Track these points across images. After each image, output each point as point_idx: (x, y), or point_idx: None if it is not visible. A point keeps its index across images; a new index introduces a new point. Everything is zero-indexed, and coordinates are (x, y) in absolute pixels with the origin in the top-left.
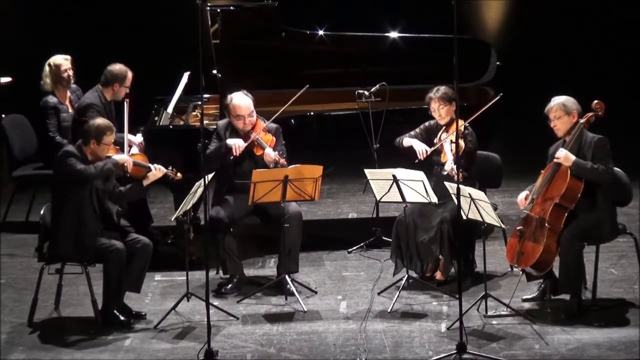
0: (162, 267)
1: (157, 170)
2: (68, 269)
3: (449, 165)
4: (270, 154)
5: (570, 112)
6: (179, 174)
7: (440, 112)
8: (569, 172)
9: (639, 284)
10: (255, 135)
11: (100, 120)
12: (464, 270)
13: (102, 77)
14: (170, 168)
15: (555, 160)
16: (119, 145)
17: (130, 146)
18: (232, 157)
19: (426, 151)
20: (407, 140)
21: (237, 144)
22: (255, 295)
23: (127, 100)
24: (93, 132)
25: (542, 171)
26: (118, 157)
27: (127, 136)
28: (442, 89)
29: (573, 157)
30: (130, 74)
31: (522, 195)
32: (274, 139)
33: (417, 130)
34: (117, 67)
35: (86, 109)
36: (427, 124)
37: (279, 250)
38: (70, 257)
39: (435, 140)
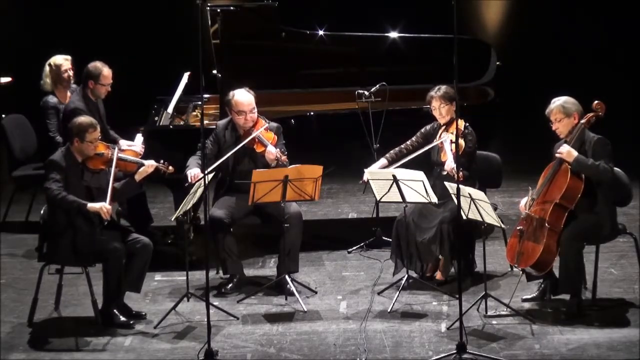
0: (162, 267)
1: (148, 166)
2: (68, 269)
3: (449, 165)
4: (272, 151)
5: (570, 113)
6: (170, 167)
7: (441, 111)
8: (569, 172)
9: (639, 284)
10: (256, 133)
11: (82, 118)
12: (464, 270)
13: (82, 76)
14: (161, 161)
15: (557, 155)
16: (109, 143)
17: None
18: (186, 184)
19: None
20: (380, 161)
21: (193, 174)
22: (255, 295)
23: (118, 148)
24: (75, 131)
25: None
26: (91, 205)
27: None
28: (444, 88)
29: (575, 153)
30: (106, 71)
31: (524, 201)
32: (276, 137)
33: (414, 138)
34: (92, 65)
35: (71, 114)
36: (423, 130)
37: (279, 250)
38: (70, 263)
39: (435, 140)
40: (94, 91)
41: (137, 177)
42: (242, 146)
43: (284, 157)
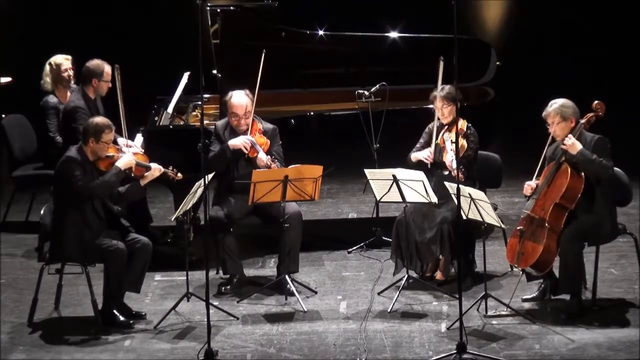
0: (162, 267)
1: (154, 170)
2: (68, 269)
3: (449, 159)
4: (262, 158)
5: (567, 117)
6: (179, 174)
7: (443, 111)
8: (569, 172)
9: (639, 284)
10: (251, 138)
11: (98, 119)
12: (464, 270)
13: (81, 75)
14: (170, 168)
15: (561, 147)
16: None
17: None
18: (246, 157)
19: (430, 154)
20: (414, 156)
21: (239, 143)
22: (255, 295)
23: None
24: (91, 131)
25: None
26: (121, 163)
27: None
28: (447, 88)
29: (580, 146)
30: (107, 68)
31: (527, 183)
32: (268, 142)
33: (421, 140)
34: (94, 63)
35: (72, 113)
36: (427, 129)
37: (279, 250)
38: (74, 258)
39: (437, 140)
40: (97, 89)
41: (143, 182)
42: (238, 149)
43: (273, 165)
